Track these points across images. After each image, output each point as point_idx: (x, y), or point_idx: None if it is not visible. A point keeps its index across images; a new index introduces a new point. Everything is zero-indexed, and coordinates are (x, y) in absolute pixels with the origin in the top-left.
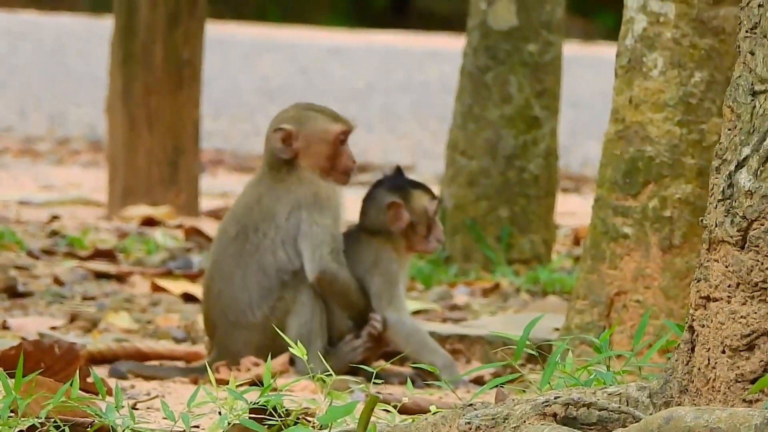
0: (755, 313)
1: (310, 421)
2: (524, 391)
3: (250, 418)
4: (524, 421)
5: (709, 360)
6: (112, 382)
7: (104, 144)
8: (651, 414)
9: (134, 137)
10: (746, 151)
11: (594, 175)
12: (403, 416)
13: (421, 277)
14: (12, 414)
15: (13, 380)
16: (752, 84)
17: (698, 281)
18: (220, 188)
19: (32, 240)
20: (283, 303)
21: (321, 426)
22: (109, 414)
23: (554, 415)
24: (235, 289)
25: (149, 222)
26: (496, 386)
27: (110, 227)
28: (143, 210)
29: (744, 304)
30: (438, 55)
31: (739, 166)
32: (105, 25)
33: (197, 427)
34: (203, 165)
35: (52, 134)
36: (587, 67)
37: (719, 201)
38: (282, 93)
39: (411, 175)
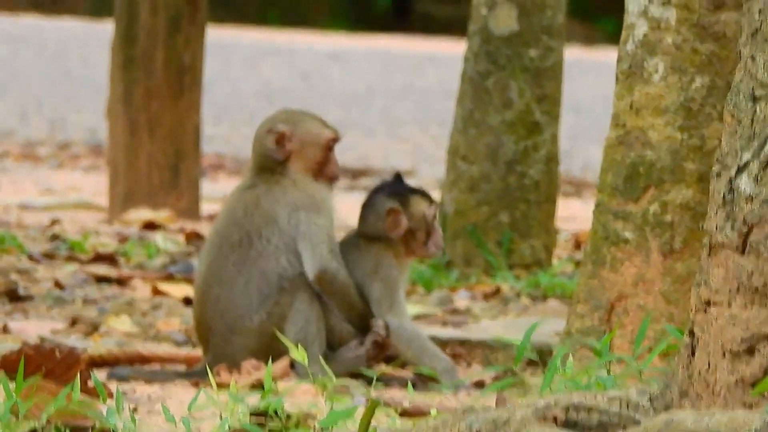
0: (755, 317)
1: (311, 425)
2: (525, 395)
3: (251, 421)
4: (525, 425)
5: (709, 364)
6: (112, 386)
7: (105, 148)
8: (651, 418)
9: (135, 142)
10: (747, 156)
11: (595, 180)
12: (404, 420)
13: (422, 282)
14: (13, 417)
15: (14, 384)
16: (753, 89)
17: (699, 286)
18: (221, 192)
19: (33, 244)
20: (280, 308)
21: (322, 429)
22: (110, 418)
23: (555, 418)
24: (235, 295)
25: (150, 226)
26: (497, 390)
27: (111, 231)
28: (144, 214)
29: (744, 308)
30: (439, 59)
31: (740, 171)
32: (106, 29)
33: (198, 430)
34: (204, 169)
35: (53, 138)
36: (588, 72)
37: (720, 206)
38: (282, 97)
39: (411, 180)
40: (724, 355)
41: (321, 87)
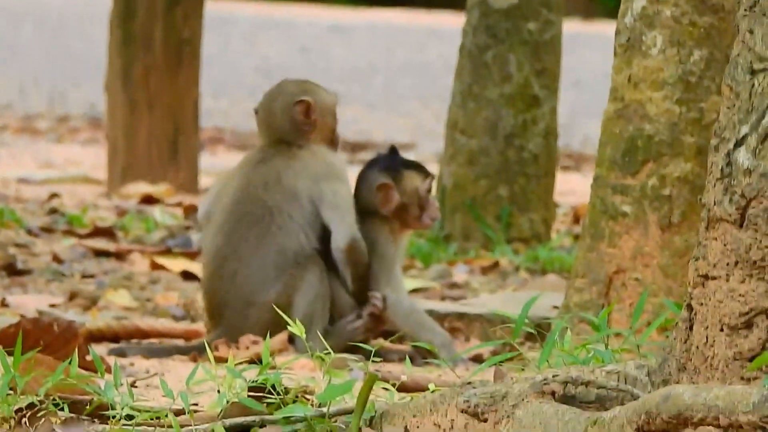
0: (753, 291)
1: (308, 399)
2: (523, 369)
3: (248, 396)
4: (523, 400)
5: (707, 338)
6: (111, 360)
7: (104, 122)
8: (649, 392)
9: (134, 117)
10: (745, 129)
11: (594, 154)
12: (402, 394)
13: (420, 256)
14: (11, 392)
15: (12, 358)
16: (751, 62)
17: (697, 260)
18: (220, 166)
19: (31, 218)
20: (293, 280)
21: (320, 404)
22: (108, 392)
23: (553, 393)
24: (252, 270)
25: (148, 200)
26: (495, 364)
27: (109, 205)
28: (143, 188)
29: (742, 282)
30: (440, 33)
31: (738, 144)
32: (105, 4)
33: (196, 405)
34: (203, 143)
35: (52, 112)
36: (588, 46)
37: (718, 179)
38: (282, 72)
39: (411, 154)
40: (722, 329)
41: (321, 60)
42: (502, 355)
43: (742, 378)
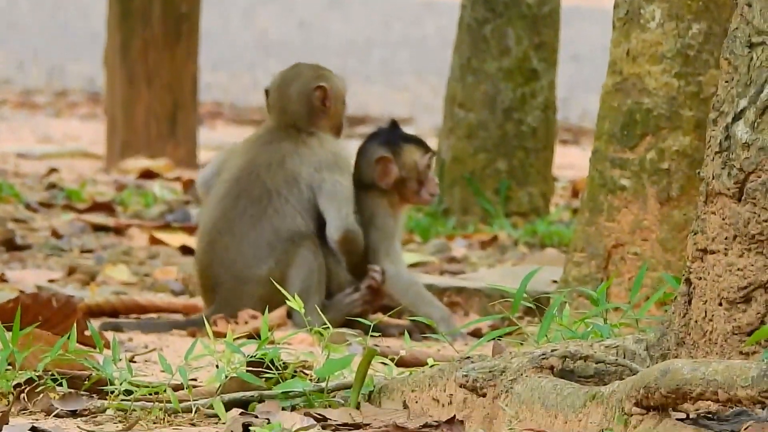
0: (752, 265)
1: (307, 374)
2: (521, 343)
3: (247, 371)
4: (521, 374)
5: (706, 312)
6: (109, 335)
7: (103, 96)
8: (648, 366)
9: (133, 92)
10: (743, 103)
11: (593, 128)
12: (401, 369)
13: (419, 230)
14: (9, 367)
15: (10, 333)
16: (749, 36)
17: (695, 234)
18: (219, 141)
19: (30, 193)
20: (286, 256)
21: (318, 379)
22: (107, 367)
23: (551, 367)
24: (245, 246)
25: (147, 175)
26: (494, 339)
27: (108, 180)
28: (141, 163)
29: (741, 256)
30: (437, 7)
31: (736, 118)
32: None
33: (195, 380)
34: (201, 118)
35: (51, 87)
36: (586, 19)
37: (716, 153)
38: (280, 47)
39: (409, 129)
40: (720, 303)
41: (319, 35)
42: (500, 329)
43: (740, 352)
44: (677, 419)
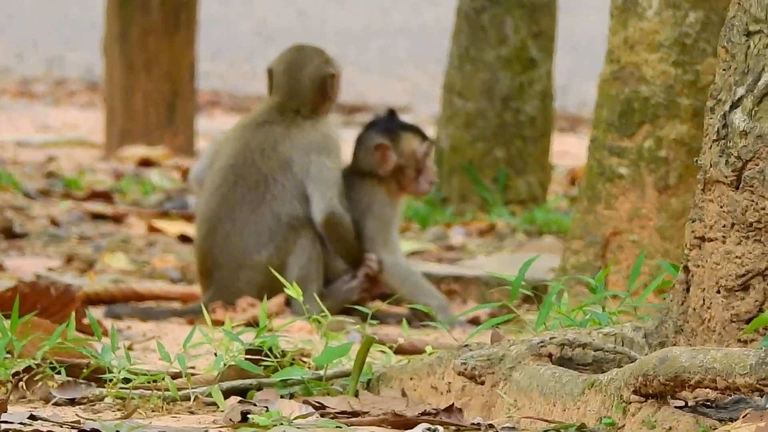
0: (750, 253)
1: (305, 362)
2: (520, 331)
3: (245, 359)
4: (520, 362)
5: (704, 300)
6: (108, 324)
7: (101, 85)
8: (646, 354)
9: (131, 80)
10: (741, 91)
11: (590, 116)
12: (399, 357)
13: (417, 218)
14: (8, 355)
15: (9, 321)
16: (747, 24)
17: (693, 221)
18: (217, 129)
19: (29, 181)
20: (286, 243)
21: (317, 367)
22: (105, 355)
23: (550, 355)
24: (245, 233)
25: (145, 163)
26: (492, 327)
27: (107, 168)
28: (140, 151)
29: (739, 244)
30: None
31: (734, 106)
32: None
33: (193, 368)
34: (200, 106)
35: (50, 75)
36: (584, 8)
37: (714, 141)
38: (279, 34)
39: (407, 117)
40: (718, 291)
41: (318, 23)
42: (499, 317)
43: (739, 340)
44: (676, 407)
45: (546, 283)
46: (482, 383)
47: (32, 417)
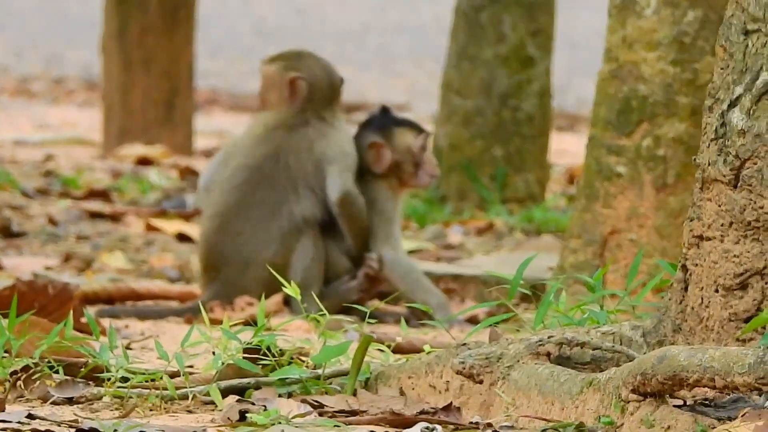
0: (748, 252)
1: (304, 361)
2: (518, 330)
3: (244, 358)
4: (518, 361)
5: (702, 299)
6: (106, 322)
7: (100, 84)
8: (644, 353)
9: (130, 78)
10: (739, 90)
11: (589, 114)
12: (397, 356)
13: (415, 217)
14: (6, 354)
15: (7, 320)
16: (745, 23)
17: (691, 220)
18: (215, 127)
19: (27, 180)
20: (290, 242)
21: (315, 366)
22: (103, 354)
23: (548, 354)
24: (258, 231)
25: (144, 161)
26: (490, 326)
27: (105, 167)
28: (138, 149)
29: (737, 243)
30: None
31: (732, 105)
32: None
33: (191, 366)
34: (198, 104)
35: (48, 74)
36: (582, 6)
37: (712, 140)
38: (278, 33)
39: (406, 115)
40: (717, 290)
41: (316, 21)
42: (497, 316)
43: (737, 339)
44: (674, 406)
45: (544, 281)
46: (480, 382)
47: (30, 416)
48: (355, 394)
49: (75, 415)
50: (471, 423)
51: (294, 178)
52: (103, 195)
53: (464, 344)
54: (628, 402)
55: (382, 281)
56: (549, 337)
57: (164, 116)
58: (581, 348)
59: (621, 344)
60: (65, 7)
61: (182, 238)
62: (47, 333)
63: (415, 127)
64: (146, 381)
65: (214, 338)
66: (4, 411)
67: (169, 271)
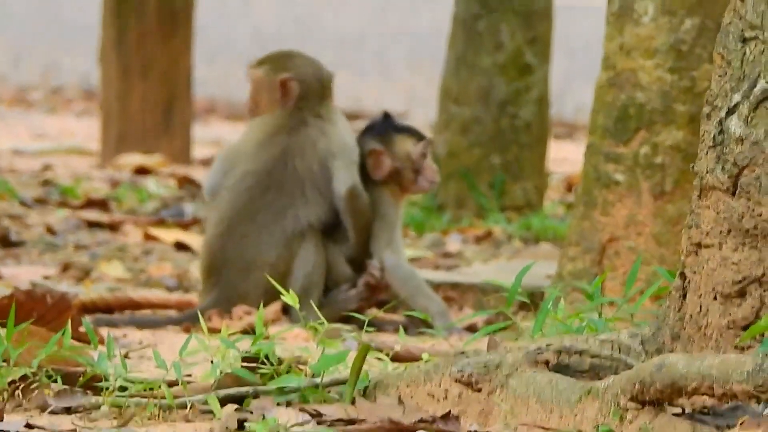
0: (746, 259)
1: (302, 370)
2: (516, 338)
3: (242, 366)
4: (516, 369)
5: (700, 307)
6: (104, 332)
7: (98, 93)
8: (643, 361)
9: (128, 86)
10: (737, 97)
11: (587, 122)
12: (396, 364)
13: (413, 225)
14: (4, 363)
15: (5, 330)
16: (742, 30)
17: (690, 228)
18: (213, 136)
19: (25, 189)
20: (293, 245)
21: (313, 374)
22: (101, 363)
23: (546, 362)
24: (263, 235)
25: (142, 171)
26: (489, 334)
27: (103, 176)
28: (136, 159)
29: (735, 250)
30: (431, 0)
31: (730, 112)
32: None
33: (189, 375)
34: (196, 113)
35: (46, 83)
36: (580, 14)
37: (710, 147)
38: (276, 41)
39: (404, 122)
40: (715, 297)
41: (314, 29)
42: (495, 324)
43: (735, 347)
44: (673, 414)
45: (543, 289)
46: (479, 390)
47: (28, 425)
48: (353, 402)
49: (73, 424)
50: (469, 431)
51: (302, 180)
52: (101, 204)
53: (463, 353)
54: (627, 410)
55: (383, 290)
56: (547, 345)
57: (162, 123)
58: (580, 356)
59: (619, 352)
60: (62, 15)
61: (180, 247)
62: (45, 342)
63: (416, 134)
64: (144, 390)
65: (212, 347)
66: (2, 420)
67: (167, 280)
